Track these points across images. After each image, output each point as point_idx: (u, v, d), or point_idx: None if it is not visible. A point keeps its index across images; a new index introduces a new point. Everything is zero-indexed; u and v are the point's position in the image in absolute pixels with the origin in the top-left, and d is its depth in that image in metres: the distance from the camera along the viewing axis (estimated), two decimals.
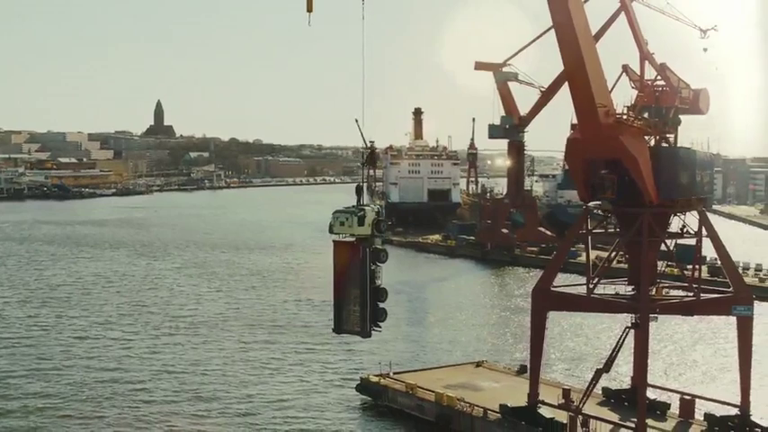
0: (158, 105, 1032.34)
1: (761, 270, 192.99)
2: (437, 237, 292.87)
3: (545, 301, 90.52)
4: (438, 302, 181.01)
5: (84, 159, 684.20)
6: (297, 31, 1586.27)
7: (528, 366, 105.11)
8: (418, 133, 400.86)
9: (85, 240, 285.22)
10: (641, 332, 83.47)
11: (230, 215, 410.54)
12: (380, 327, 64.27)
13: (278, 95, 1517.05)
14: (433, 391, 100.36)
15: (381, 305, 64.82)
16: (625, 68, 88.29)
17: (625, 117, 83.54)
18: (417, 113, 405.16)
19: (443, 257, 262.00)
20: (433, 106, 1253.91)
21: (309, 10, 62.72)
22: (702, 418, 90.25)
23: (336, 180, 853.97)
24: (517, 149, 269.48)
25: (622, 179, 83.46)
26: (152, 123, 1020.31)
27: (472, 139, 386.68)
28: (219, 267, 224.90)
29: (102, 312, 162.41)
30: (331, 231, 66.74)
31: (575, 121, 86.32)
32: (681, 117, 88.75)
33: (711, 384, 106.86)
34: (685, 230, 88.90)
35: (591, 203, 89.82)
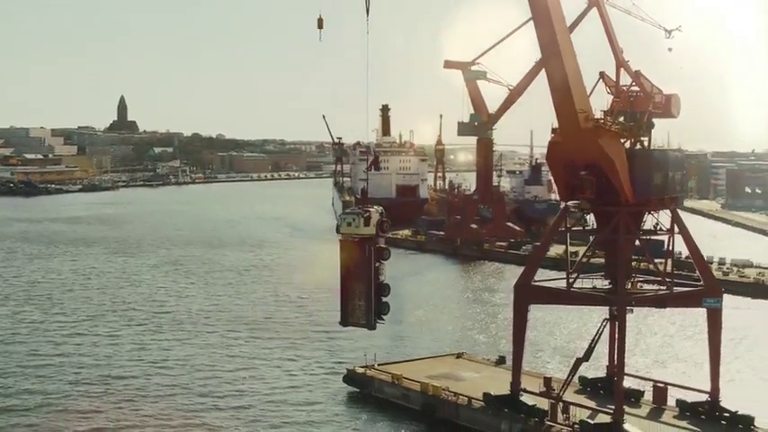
0: (122, 101, 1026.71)
1: (724, 264, 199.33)
2: (407, 232, 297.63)
3: (526, 296, 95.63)
4: (413, 297, 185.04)
5: (50, 155, 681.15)
6: (256, 26, 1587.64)
7: (506, 357, 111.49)
8: (386, 130, 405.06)
9: (59, 238, 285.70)
10: (619, 324, 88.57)
11: (199, 211, 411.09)
12: (384, 319, 69.39)
13: (240, 90, 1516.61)
14: (418, 381, 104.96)
15: (384, 299, 69.98)
16: (602, 75, 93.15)
17: (603, 122, 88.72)
18: (384, 110, 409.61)
19: (414, 252, 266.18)
20: (401, 102, 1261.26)
21: (320, 27, 66.97)
22: (675, 405, 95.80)
23: (300, 175, 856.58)
24: (486, 146, 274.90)
25: (600, 180, 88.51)
26: (115, 119, 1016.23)
27: (440, 136, 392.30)
28: (196, 265, 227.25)
29: (84, 310, 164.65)
30: (338, 231, 71.68)
31: (555, 125, 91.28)
32: (654, 120, 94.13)
33: (683, 373, 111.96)
34: (659, 228, 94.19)
35: (570, 202, 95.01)
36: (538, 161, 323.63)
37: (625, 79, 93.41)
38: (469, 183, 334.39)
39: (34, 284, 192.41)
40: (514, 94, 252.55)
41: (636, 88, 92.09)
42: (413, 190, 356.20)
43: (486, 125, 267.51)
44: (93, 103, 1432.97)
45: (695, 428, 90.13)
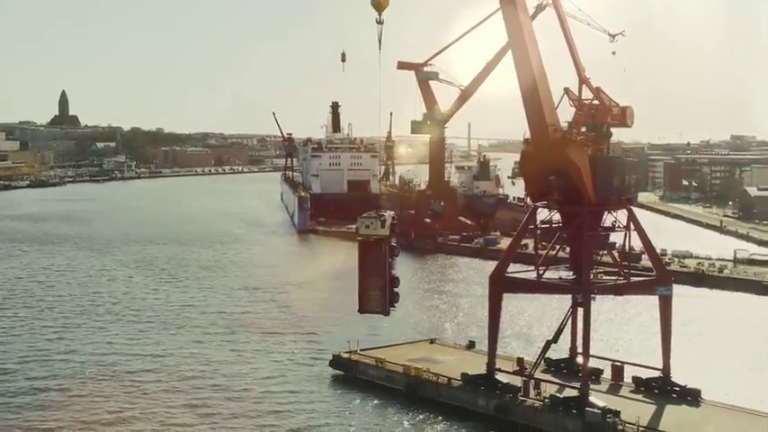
0: (63, 95, 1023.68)
1: (666, 255, 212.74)
2: None
3: (500, 286, 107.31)
4: None
5: None
6: (193, 18, 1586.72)
7: (475, 342, 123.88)
8: (336, 126, 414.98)
9: (19, 237, 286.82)
10: (584, 310, 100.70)
11: (154, 208, 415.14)
12: (395, 307, 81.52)
13: (177, 83, 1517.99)
14: (400, 364, 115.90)
15: (396, 290, 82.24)
16: (566, 91, 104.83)
17: (569, 133, 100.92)
18: (335, 107, 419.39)
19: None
20: (350, 99, 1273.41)
21: (343, 60, 77.84)
22: (631, 381, 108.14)
23: (244, 169, 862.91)
24: (438, 144, 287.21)
25: (567, 184, 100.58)
26: (56, 113, 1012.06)
27: (389, 132, 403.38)
28: (169, 263, 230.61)
29: (73, 307, 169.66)
30: (358, 233, 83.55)
31: (527, 135, 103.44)
32: (611, 130, 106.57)
33: (637, 353, 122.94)
34: (616, 225, 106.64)
35: (538, 203, 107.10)
36: (486, 157, 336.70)
37: (586, 94, 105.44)
38: (420, 177, 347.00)
39: (10, 281, 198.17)
40: (465, 94, 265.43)
41: (596, 102, 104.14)
42: (364, 185, 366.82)
43: (438, 123, 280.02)
44: (34, 98, 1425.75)
45: (650, 401, 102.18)
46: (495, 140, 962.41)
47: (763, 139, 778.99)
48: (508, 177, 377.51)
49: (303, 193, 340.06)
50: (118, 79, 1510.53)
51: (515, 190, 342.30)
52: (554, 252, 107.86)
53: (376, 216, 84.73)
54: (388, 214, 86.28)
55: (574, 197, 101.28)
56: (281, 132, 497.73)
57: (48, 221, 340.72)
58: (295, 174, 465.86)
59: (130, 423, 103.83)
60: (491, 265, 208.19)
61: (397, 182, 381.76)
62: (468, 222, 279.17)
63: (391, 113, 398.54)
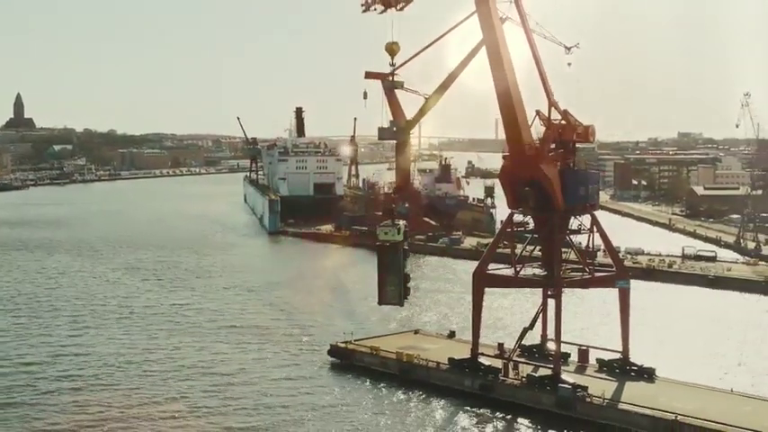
0: (18, 98, 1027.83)
1: (619, 252, 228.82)
2: (329, 227, 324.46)
3: (483, 281, 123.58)
4: (356, 285, 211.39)
5: None
6: (145, 21, 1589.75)
7: (455, 332, 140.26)
8: (300, 131, 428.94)
9: (5, 241, 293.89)
10: (556, 301, 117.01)
11: (124, 211, 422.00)
12: (408, 299, 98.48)
13: (126, 83, 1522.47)
14: (393, 352, 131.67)
15: (408, 285, 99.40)
16: (537, 112, 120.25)
17: (541, 149, 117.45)
18: (299, 112, 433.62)
19: (341, 247, 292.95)
20: (316, 106, 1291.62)
21: (365, 98, 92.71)
22: (595, 362, 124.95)
23: (201, 171, 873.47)
24: (403, 149, 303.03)
25: (540, 193, 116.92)
26: (11, 116, 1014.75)
27: (353, 137, 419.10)
28: (159, 268, 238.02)
29: (68, 311, 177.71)
30: (377, 238, 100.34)
31: (506, 152, 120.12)
32: (577, 146, 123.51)
33: (600, 338, 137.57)
34: (582, 228, 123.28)
35: (515, 209, 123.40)
36: (447, 161, 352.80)
37: (555, 115, 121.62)
38: (383, 179, 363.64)
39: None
40: (429, 102, 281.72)
41: (564, 122, 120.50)
42: (329, 187, 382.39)
43: (403, 130, 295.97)
44: None
45: (612, 379, 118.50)
46: (445, 139, 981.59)
47: (710, 136, 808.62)
48: (462, 177, 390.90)
49: (273, 197, 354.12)
50: (68, 80, 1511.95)
51: (469, 189, 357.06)
52: (528, 252, 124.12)
53: (393, 225, 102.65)
54: (402, 223, 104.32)
55: (546, 205, 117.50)
56: (246, 136, 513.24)
57: (25, 226, 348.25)
58: (259, 176, 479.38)
59: (141, 408, 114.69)
60: (458, 263, 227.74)
61: (360, 184, 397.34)
62: (433, 223, 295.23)
63: (355, 119, 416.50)
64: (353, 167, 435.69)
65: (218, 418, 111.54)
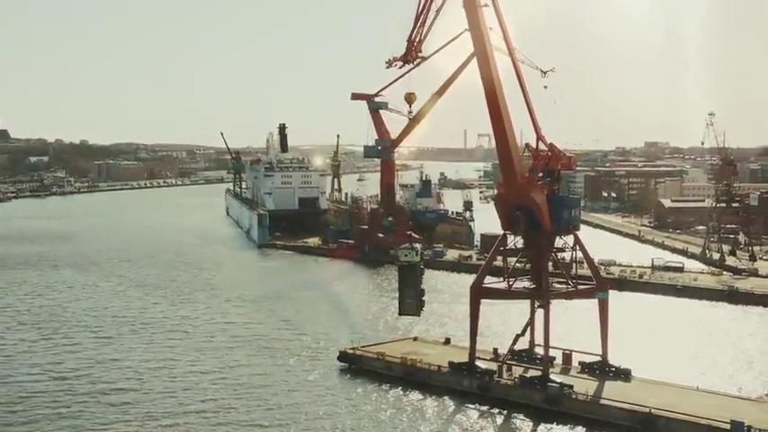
0: None
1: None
2: (316, 240, 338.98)
3: (479, 294, 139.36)
4: (351, 296, 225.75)
5: None
6: (113, 30, 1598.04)
7: (451, 339, 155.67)
8: (284, 147, 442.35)
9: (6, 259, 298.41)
10: (545, 311, 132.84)
11: (111, 224, 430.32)
12: (423, 309, 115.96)
13: (97, 93, 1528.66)
14: (397, 356, 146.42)
15: (423, 298, 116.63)
16: (527, 145, 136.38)
17: (531, 178, 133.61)
18: (282, 129, 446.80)
19: (326, 259, 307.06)
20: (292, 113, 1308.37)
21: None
22: (578, 365, 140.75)
23: (177, 182, 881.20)
24: (389, 166, 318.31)
25: (530, 217, 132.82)
26: None
27: (335, 152, 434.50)
28: (161, 281, 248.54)
29: (87, 324, 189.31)
30: (398, 258, 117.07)
31: (500, 180, 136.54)
32: (562, 174, 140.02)
33: (582, 343, 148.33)
34: (566, 246, 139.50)
35: (507, 231, 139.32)
36: (427, 177, 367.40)
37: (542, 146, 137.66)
38: (365, 192, 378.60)
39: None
40: (413, 122, 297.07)
41: (550, 153, 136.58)
42: (313, 202, 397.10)
43: (388, 149, 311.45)
44: None
45: (593, 379, 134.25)
46: (414, 148, 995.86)
47: (676, 145, 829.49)
48: (434, 185, 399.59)
49: (262, 211, 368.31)
50: (39, 90, 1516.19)
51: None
52: (519, 267, 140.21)
53: (411, 247, 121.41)
54: (419, 246, 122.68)
55: (535, 226, 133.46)
56: (229, 151, 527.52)
57: (24, 242, 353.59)
58: (243, 190, 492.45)
59: (175, 408, 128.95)
60: (442, 275, 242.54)
61: (343, 197, 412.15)
62: (417, 236, 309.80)
63: (338, 135, 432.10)
64: (336, 181, 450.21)
65: (244, 416, 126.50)
